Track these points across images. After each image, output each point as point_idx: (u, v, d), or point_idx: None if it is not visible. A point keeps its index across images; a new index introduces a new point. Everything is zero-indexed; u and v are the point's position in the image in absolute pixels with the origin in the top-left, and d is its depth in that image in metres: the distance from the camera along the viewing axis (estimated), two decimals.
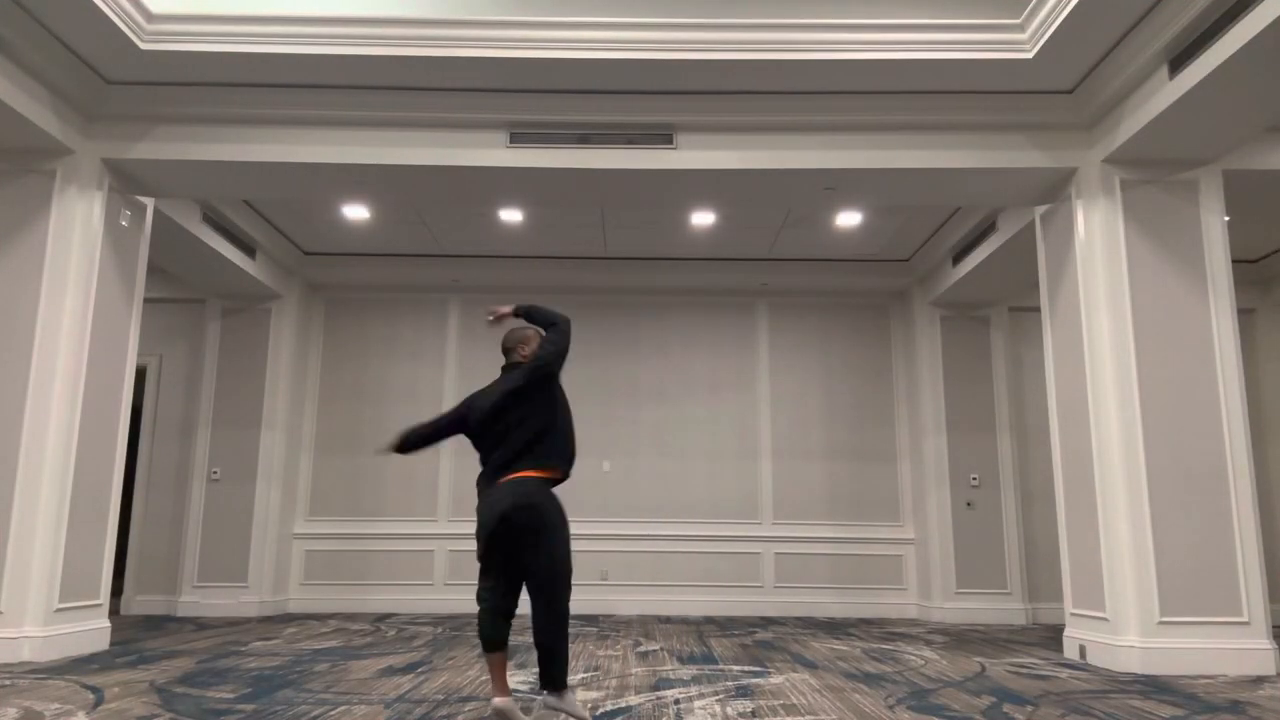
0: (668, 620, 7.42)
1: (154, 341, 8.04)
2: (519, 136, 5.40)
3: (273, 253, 7.62)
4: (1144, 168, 5.25)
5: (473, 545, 7.98)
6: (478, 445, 3.29)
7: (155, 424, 7.99)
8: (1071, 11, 4.48)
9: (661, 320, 8.62)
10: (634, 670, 4.67)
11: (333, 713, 3.52)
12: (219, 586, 7.50)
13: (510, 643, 5.77)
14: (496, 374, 3.48)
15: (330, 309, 8.58)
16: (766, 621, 7.42)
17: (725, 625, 7.07)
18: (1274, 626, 7.18)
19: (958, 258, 7.32)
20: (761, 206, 6.81)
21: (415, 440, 3.40)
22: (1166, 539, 4.89)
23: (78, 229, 5.20)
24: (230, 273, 7.22)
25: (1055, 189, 5.58)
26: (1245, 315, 8.07)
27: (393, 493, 8.25)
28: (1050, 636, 6.40)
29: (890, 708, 3.75)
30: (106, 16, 4.58)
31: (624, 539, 8.16)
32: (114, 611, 7.53)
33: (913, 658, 5.25)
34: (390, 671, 4.57)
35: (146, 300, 7.77)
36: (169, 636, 6.01)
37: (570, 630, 6.52)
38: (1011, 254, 6.65)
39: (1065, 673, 4.76)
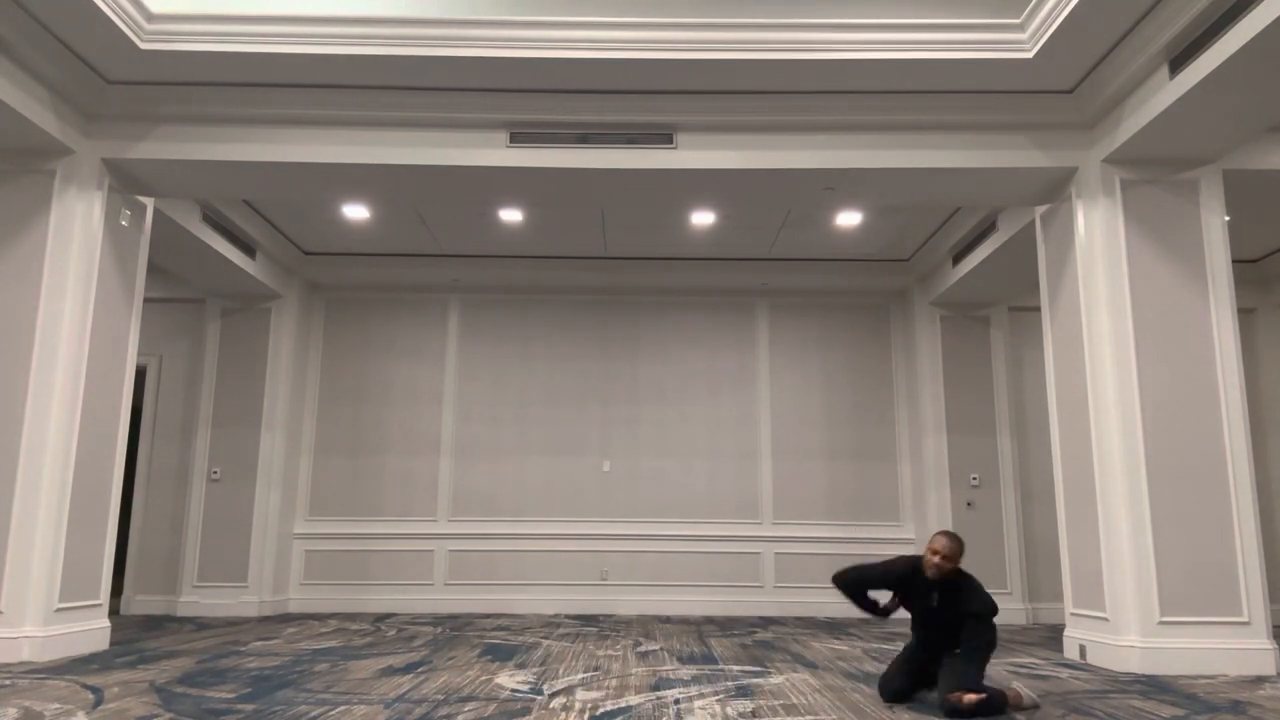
0: (668, 620, 7.42)
1: (154, 341, 8.04)
2: (519, 136, 5.40)
3: (273, 253, 7.62)
4: (1144, 167, 5.24)
5: (471, 545, 8.16)
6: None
7: (155, 424, 7.99)
8: (1071, 11, 4.48)
9: (661, 320, 8.62)
10: (634, 670, 4.67)
11: (332, 713, 3.52)
12: (219, 586, 7.50)
13: (513, 642, 5.77)
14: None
15: (330, 309, 8.58)
16: (766, 621, 7.41)
17: (725, 625, 7.07)
18: (1274, 626, 7.18)
19: (958, 258, 7.32)
20: (761, 206, 6.81)
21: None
22: (1166, 539, 4.89)
23: (77, 229, 5.20)
24: (230, 273, 7.22)
25: (1055, 189, 5.58)
26: (1245, 315, 8.06)
27: (393, 493, 8.25)
28: (1050, 636, 6.40)
29: (890, 707, 3.75)
30: (106, 16, 4.58)
31: (624, 539, 8.16)
32: (114, 611, 7.53)
33: None
34: (390, 671, 4.57)
35: (146, 300, 7.76)
36: (169, 636, 6.01)
37: (570, 630, 6.55)
38: (1011, 254, 6.64)
39: (1065, 673, 4.75)
